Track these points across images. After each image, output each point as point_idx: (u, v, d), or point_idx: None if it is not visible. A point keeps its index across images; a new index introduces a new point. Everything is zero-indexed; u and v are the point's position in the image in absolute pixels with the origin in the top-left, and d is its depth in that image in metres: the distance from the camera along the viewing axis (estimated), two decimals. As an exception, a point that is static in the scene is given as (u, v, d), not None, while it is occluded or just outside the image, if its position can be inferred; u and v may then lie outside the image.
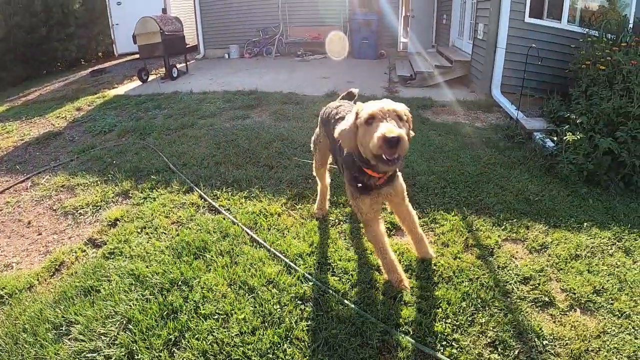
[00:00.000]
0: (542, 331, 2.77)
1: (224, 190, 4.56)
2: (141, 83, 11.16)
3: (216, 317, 2.95)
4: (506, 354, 2.61)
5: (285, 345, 2.70)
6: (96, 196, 4.84)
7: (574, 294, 3.11)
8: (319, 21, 14.86)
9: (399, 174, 3.14)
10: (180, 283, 3.28)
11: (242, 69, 12.16)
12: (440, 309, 2.93)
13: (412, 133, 2.75)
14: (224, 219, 4.06)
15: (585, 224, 3.97)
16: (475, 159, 5.32)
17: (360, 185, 2.90)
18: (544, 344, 2.68)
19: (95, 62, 18.87)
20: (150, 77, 11.40)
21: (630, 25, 7.74)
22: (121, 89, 10.70)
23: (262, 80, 10.15)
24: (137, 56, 15.23)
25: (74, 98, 10.58)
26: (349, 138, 2.68)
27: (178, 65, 11.61)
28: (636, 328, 2.81)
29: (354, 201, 3.01)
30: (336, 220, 4.06)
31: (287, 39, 15.19)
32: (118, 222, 4.28)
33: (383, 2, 14.36)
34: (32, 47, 16.00)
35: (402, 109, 2.61)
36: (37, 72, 16.93)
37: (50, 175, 5.87)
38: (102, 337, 2.98)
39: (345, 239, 3.77)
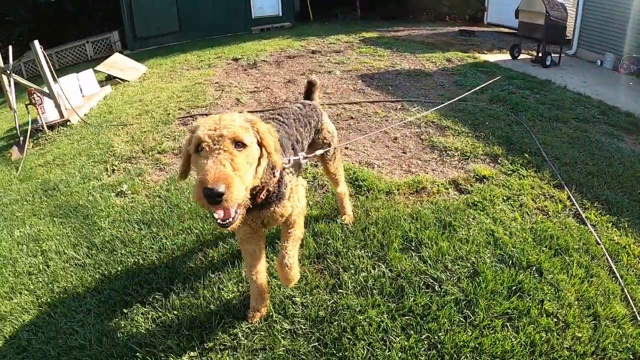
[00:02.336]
0: None
1: (593, 204, 4.33)
2: (511, 58, 11.14)
3: (556, 320, 2.89)
4: None
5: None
6: (466, 146, 5.15)
7: None
8: None
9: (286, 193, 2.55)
10: (534, 269, 3.29)
11: (617, 83, 11.13)
12: None
13: (272, 145, 2.17)
14: (589, 232, 3.87)
15: None
16: None
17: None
18: None
19: (461, 22, 19.46)
20: (521, 56, 11.28)
21: None
22: (490, 57, 10.91)
23: (637, 105, 9.18)
24: (507, 30, 15.22)
25: (443, 49, 11.22)
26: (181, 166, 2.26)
27: (553, 54, 11.20)
28: None
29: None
30: None
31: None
32: (485, 180, 4.49)
33: None
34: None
35: (241, 125, 2.04)
36: (406, 15, 18.39)
37: (420, 108, 6.40)
38: (447, 271, 3.23)
39: None
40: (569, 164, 5.02)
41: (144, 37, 15.40)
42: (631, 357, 2.77)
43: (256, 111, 6.67)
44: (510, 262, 3.34)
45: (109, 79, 10.49)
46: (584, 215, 4.11)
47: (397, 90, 7.53)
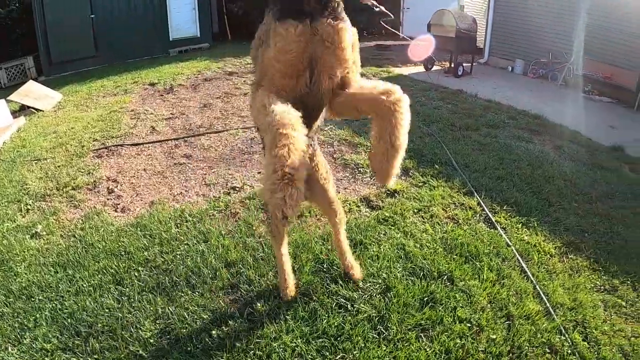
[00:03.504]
0: None
1: (503, 208, 4.50)
2: (424, 70, 11.57)
3: (469, 325, 2.98)
4: None
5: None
6: (377, 162, 5.18)
7: None
8: (614, 60, 13.38)
9: None
10: (445, 278, 3.38)
11: (526, 88, 11.77)
12: None
13: None
14: (499, 236, 4.01)
15: None
16: None
17: None
18: None
19: (378, 37, 20.05)
20: (434, 68, 11.73)
21: None
22: (404, 70, 11.28)
23: (546, 107, 9.67)
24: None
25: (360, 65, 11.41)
26: None
27: (465, 64, 11.73)
28: None
29: None
30: (602, 287, 3.70)
31: (577, 71, 14.12)
32: (396, 194, 4.56)
33: None
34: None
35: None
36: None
37: (334, 126, 6.45)
38: (358, 290, 3.26)
39: (605, 310, 3.41)
40: (478, 170, 5.21)
41: (59, 62, 14.70)
42: (547, 350, 2.89)
43: (171, 139, 6.52)
44: (422, 273, 3.40)
45: (23, 109, 9.94)
46: (493, 220, 4.26)
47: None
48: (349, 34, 2.27)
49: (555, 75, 14.02)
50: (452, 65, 11.49)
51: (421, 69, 11.72)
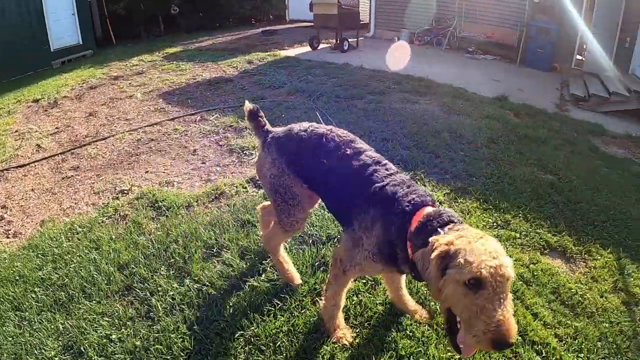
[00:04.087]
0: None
1: (389, 166, 4.59)
2: (311, 50, 11.63)
3: (364, 280, 3.01)
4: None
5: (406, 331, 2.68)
6: (262, 142, 5.11)
7: None
8: (494, 21, 14.23)
9: None
10: (335, 240, 3.41)
11: (412, 55, 12.19)
12: (576, 341, 2.76)
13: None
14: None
15: None
16: (641, 201, 4.87)
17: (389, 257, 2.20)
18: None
19: (266, 23, 20.01)
20: (321, 46, 11.82)
21: None
22: (291, 52, 11.27)
23: (431, 69, 10.05)
24: (307, 24, 15.90)
25: (245, 52, 11.34)
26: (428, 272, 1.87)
27: (349, 40, 11.89)
28: None
29: (365, 262, 2.29)
30: (494, 223, 3.90)
31: (460, 34, 14.81)
32: (283, 170, 4.48)
33: (566, 11, 13.35)
34: (210, 0, 17.50)
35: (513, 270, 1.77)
36: (211, 24, 18.43)
37: (219, 115, 6.31)
38: (251, 268, 3.19)
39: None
40: (364, 135, 5.27)
41: None
42: None
43: (57, 154, 6.08)
44: (311, 240, 3.44)
45: None
46: (379, 178, 4.31)
47: (197, 102, 7.38)
48: None
49: (440, 41, 14.58)
50: (338, 42, 11.60)
51: (308, 48, 11.77)
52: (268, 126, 2.81)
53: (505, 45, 13.83)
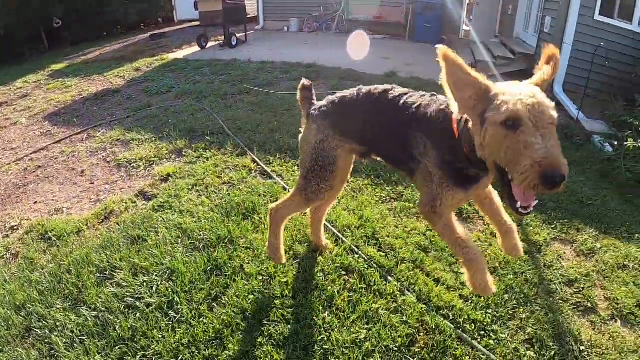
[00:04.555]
0: (581, 336, 2.72)
1: (277, 156, 4.65)
2: (200, 49, 11.45)
3: (260, 278, 3.03)
4: (542, 353, 2.59)
5: (325, 314, 2.75)
6: (150, 152, 5.03)
7: (617, 304, 3.02)
8: (381, 1, 14.69)
9: None
10: (227, 241, 3.39)
11: (302, 42, 12.29)
12: (482, 298, 2.92)
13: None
14: (276, 184, 4.13)
15: (637, 235, 3.82)
16: (531, 157, 5.21)
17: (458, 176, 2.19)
18: (581, 349, 2.64)
19: (155, 27, 19.43)
20: (210, 44, 11.67)
21: None
22: (180, 54, 11.01)
23: (321, 54, 10.20)
24: (196, 23, 15.59)
25: (133, 59, 10.96)
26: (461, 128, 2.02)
27: (237, 35, 11.80)
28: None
29: (440, 189, 2.22)
30: (387, 197, 4.06)
31: (348, 17, 15.13)
32: (170, 178, 4.44)
33: None
34: (94, 9, 16.68)
35: (555, 112, 1.79)
36: (98, 34, 17.64)
37: (106, 130, 6.12)
38: (144, 284, 3.11)
39: (395, 217, 3.77)
40: (251, 129, 5.30)
41: None
42: (343, 272, 3.08)
43: None
44: (201, 245, 3.37)
45: None
46: (269, 170, 4.37)
47: (83, 119, 7.08)
48: None
49: (329, 25, 14.82)
50: (226, 38, 11.50)
51: (197, 49, 11.55)
52: (315, 101, 2.88)
53: (394, 24, 14.32)
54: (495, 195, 2.60)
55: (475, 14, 13.98)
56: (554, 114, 1.75)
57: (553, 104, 1.78)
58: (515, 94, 1.76)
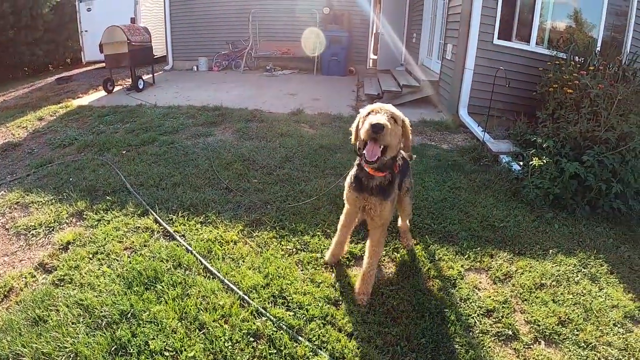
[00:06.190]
0: (505, 367, 2.80)
1: (180, 214, 4.54)
2: (107, 93, 11.08)
3: (166, 354, 2.91)
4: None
5: (235, 386, 2.69)
6: (50, 216, 4.73)
7: (539, 325, 3.18)
8: (288, 36, 14.97)
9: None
10: (129, 315, 3.22)
11: (210, 82, 12.22)
12: (398, 347, 2.96)
13: (409, 144, 3.13)
14: (178, 246, 4.03)
15: (550, 250, 4.06)
16: (440, 183, 5.41)
17: (354, 182, 3.28)
18: (506, 380, 2.72)
19: (63, 68, 18.64)
20: (117, 88, 11.34)
21: (598, 49, 7.97)
22: (85, 99, 10.58)
23: (228, 95, 10.18)
24: (103, 65, 15.12)
25: (37, 107, 10.39)
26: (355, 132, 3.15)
27: (145, 77, 11.58)
28: (602, 360, 2.89)
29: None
30: (293, 249, 4.07)
31: (257, 53, 15.27)
32: (70, 246, 4.18)
33: (354, 19, 14.55)
34: (-2, 49, 15.86)
35: (399, 114, 2.99)
36: (3, 77, 16.67)
37: (5, 191, 5.74)
38: None
39: (302, 269, 3.78)
40: (154, 184, 5.16)
41: None
42: (252, 339, 3.02)
43: None
44: (104, 323, 3.18)
45: None
46: (172, 231, 4.26)
47: (-20, 182, 6.63)
48: None
49: (238, 63, 14.86)
50: (133, 81, 11.23)
51: (103, 93, 11.15)
52: None
53: (302, 58, 14.55)
54: (376, 248, 3.42)
55: (381, 44, 14.48)
56: (388, 108, 2.95)
57: (390, 105, 3.01)
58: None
